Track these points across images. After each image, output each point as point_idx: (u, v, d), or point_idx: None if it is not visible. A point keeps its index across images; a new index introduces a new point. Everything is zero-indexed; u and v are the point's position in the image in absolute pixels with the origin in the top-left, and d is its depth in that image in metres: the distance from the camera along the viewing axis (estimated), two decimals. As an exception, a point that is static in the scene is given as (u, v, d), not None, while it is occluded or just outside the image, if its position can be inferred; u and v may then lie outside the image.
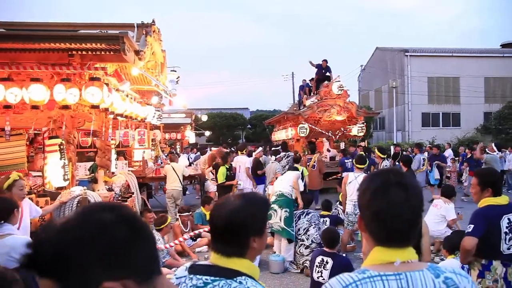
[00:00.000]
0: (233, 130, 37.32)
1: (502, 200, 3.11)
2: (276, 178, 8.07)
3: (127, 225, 0.76)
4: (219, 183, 8.25)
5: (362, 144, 14.45)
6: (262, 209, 1.45)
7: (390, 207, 1.18)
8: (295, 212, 6.07)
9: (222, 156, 8.63)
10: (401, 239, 1.20)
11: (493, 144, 11.43)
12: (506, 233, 3.04)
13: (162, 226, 5.88)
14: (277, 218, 5.86)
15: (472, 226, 3.03)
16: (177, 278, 1.38)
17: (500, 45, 31.16)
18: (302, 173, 7.89)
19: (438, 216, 6.05)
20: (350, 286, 1.15)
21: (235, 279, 1.27)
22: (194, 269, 1.36)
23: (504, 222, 3.04)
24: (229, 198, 1.42)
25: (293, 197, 6.07)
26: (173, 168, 8.84)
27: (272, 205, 5.81)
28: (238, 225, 1.33)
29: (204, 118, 23.61)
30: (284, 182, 6.17)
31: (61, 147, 4.80)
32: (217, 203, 1.47)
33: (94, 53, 4.32)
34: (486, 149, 10.96)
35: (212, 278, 1.29)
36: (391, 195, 1.19)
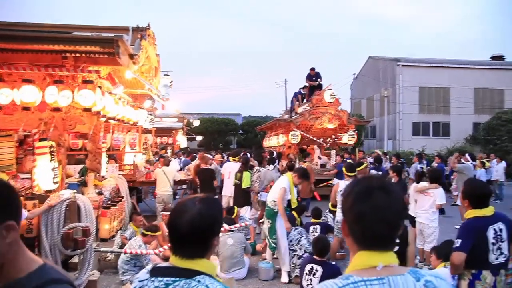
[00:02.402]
0: (224, 135, 37.30)
1: (487, 211, 3.15)
2: (271, 186, 8.07)
3: None
4: (243, 187, 8.17)
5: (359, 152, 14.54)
6: (220, 211, 1.55)
7: (373, 210, 1.21)
8: None
9: (244, 162, 8.55)
10: (383, 243, 1.22)
11: (467, 155, 11.65)
12: (493, 244, 3.09)
13: (150, 233, 5.77)
14: (266, 225, 6.06)
15: (460, 241, 3.06)
16: (139, 281, 1.43)
17: (490, 58, 31.72)
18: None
19: (432, 206, 6.05)
20: None
21: (194, 278, 1.33)
22: (156, 272, 1.42)
23: (490, 233, 3.08)
24: (188, 203, 1.46)
25: (275, 211, 5.92)
26: (164, 172, 8.77)
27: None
28: (203, 229, 1.39)
29: (196, 123, 23.51)
30: (271, 194, 6.09)
31: (51, 149, 4.75)
32: (177, 207, 1.49)
33: (88, 55, 4.28)
34: (461, 159, 11.16)
35: (173, 279, 1.35)
36: (373, 199, 1.21)
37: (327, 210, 7.53)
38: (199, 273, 1.36)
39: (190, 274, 1.35)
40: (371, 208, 1.21)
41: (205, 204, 1.44)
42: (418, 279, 1.20)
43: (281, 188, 5.88)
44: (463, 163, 10.82)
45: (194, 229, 1.38)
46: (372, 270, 1.19)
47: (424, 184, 6.33)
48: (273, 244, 5.90)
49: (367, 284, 1.16)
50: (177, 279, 1.35)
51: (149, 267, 1.48)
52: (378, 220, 1.20)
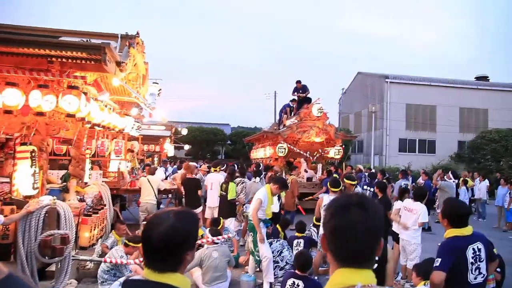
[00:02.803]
0: (212, 145, 37.14)
1: (466, 231, 3.16)
2: None
3: None
4: (229, 199, 8.10)
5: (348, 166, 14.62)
6: (195, 225, 1.51)
7: (349, 225, 1.21)
8: (269, 240, 6.19)
9: (230, 173, 8.49)
10: (360, 259, 1.21)
11: (449, 173, 11.83)
12: (472, 263, 3.10)
13: (132, 244, 5.65)
14: (250, 238, 6.02)
15: (439, 260, 3.06)
16: None
17: (475, 78, 32.39)
18: (279, 195, 7.88)
19: (415, 223, 6.03)
20: None
21: None
22: (128, 285, 1.39)
23: (469, 253, 3.09)
24: (162, 216, 1.44)
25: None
26: (149, 181, 8.66)
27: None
28: (176, 243, 1.38)
29: (184, 131, 23.44)
30: (251, 206, 6.07)
31: (33, 154, 4.67)
32: (151, 219, 1.48)
33: (74, 61, 4.25)
34: (445, 177, 11.30)
35: None
36: (350, 215, 1.21)
37: (311, 224, 7.52)
38: (171, 287, 1.33)
39: None
40: (347, 223, 1.21)
41: (179, 218, 1.42)
42: None
43: (256, 199, 5.86)
44: (446, 180, 10.94)
45: (165, 242, 1.37)
46: None
47: (408, 201, 6.36)
48: (257, 258, 5.86)
49: None
50: None
51: (122, 279, 1.45)
52: (353, 235, 1.20)
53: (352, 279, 1.18)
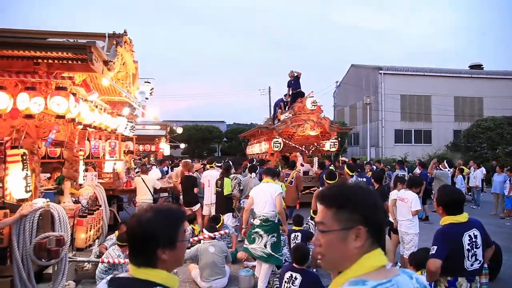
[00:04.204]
0: (208, 143, 37.13)
1: (462, 217, 3.16)
2: None
3: None
4: (225, 194, 8.10)
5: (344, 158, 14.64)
6: (174, 221, 1.45)
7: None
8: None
9: (225, 168, 8.47)
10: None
11: (445, 162, 11.82)
12: (468, 250, 3.09)
13: (120, 243, 5.63)
14: (261, 243, 5.32)
15: (435, 247, 3.05)
16: None
17: (469, 66, 32.43)
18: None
19: (409, 212, 5.98)
20: None
21: None
22: (113, 282, 1.39)
23: (465, 240, 3.09)
24: (144, 210, 1.45)
25: (276, 222, 5.48)
26: (143, 180, 8.67)
27: (257, 229, 5.39)
28: (144, 236, 1.37)
29: (179, 130, 23.39)
30: (268, 205, 5.37)
31: (24, 157, 4.63)
32: (135, 214, 1.48)
33: (61, 62, 4.18)
34: (440, 166, 11.31)
35: None
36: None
37: (309, 217, 7.51)
38: (155, 284, 1.33)
39: (146, 285, 1.32)
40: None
41: (154, 214, 1.42)
42: (411, 277, 1.22)
43: (279, 194, 5.37)
44: (441, 169, 10.96)
45: (136, 235, 1.38)
46: (381, 271, 1.16)
47: (402, 191, 6.36)
48: (280, 258, 5.45)
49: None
50: None
51: (108, 277, 1.44)
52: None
53: (382, 259, 1.19)
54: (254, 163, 10.90)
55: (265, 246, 5.29)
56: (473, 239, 3.12)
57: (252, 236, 5.41)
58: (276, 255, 5.37)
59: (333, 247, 1.20)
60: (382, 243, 1.24)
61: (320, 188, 6.83)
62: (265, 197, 5.39)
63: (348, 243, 1.18)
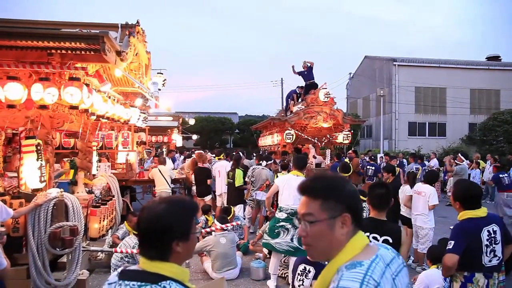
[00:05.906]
0: (221, 134, 37.20)
1: (481, 212, 3.08)
2: (266, 185, 7.99)
3: None
4: (237, 185, 8.16)
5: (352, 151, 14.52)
6: (188, 213, 1.44)
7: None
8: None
9: (235, 159, 8.57)
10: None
11: (459, 154, 11.59)
12: (487, 246, 3.02)
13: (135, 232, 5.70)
14: (287, 237, 5.16)
15: (452, 242, 2.99)
16: (109, 284, 1.39)
17: (486, 58, 31.76)
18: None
19: (425, 206, 5.96)
20: (365, 279, 1.15)
21: (159, 283, 1.29)
22: (124, 275, 1.37)
23: (484, 235, 3.01)
24: (157, 202, 1.42)
25: None
26: (160, 171, 8.76)
27: (282, 223, 5.23)
28: (159, 229, 1.34)
29: (192, 121, 23.45)
30: (293, 198, 5.19)
31: (38, 147, 4.66)
32: (146, 206, 1.45)
33: (74, 52, 4.19)
34: (455, 161, 11.11)
35: (139, 283, 1.30)
36: None
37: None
38: (165, 278, 1.31)
39: (156, 279, 1.30)
40: None
41: (168, 205, 1.39)
42: (387, 248, 1.33)
43: None
44: (457, 163, 10.78)
45: (150, 227, 1.35)
46: (367, 250, 1.26)
47: (418, 184, 6.27)
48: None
49: (376, 264, 1.20)
50: (143, 284, 1.30)
51: (119, 269, 1.42)
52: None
53: (365, 238, 1.33)
54: (263, 154, 10.93)
55: (291, 240, 5.14)
56: (492, 235, 3.04)
57: (276, 230, 5.24)
58: (302, 248, 5.25)
59: (321, 236, 1.28)
60: (361, 226, 1.33)
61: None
62: (294, 190, 5.07)
63: (336, 230, 1.27)
